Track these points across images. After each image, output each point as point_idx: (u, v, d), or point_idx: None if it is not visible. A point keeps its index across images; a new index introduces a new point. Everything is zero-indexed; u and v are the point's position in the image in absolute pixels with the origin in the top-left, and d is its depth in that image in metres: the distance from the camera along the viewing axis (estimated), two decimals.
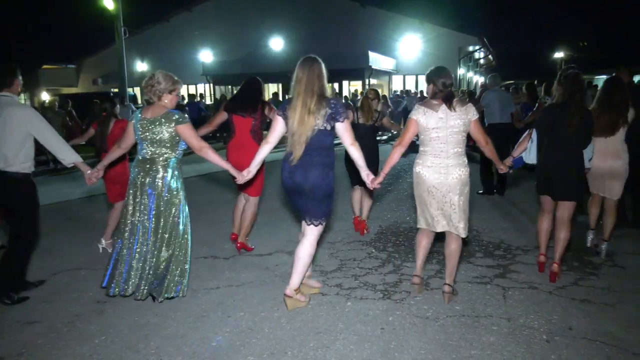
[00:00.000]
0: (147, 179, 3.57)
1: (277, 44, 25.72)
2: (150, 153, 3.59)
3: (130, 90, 19.38)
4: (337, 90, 23.53)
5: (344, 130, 3.36)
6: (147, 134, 3.55)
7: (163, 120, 3.52)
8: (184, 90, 27.20)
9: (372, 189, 3.63)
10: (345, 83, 24.67)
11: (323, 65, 3.37)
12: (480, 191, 7.22)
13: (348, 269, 4.32)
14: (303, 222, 3.54)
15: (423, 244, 3.73)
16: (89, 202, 7.34)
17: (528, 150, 4.22)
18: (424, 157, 3.53)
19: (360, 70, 23.04)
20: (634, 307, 3.48)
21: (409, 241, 5.05)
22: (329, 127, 3.32)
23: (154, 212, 3.58)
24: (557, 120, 3.92)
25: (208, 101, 22.66)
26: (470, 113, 3.47)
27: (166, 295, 3.59)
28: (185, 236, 3.68)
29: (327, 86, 3.39)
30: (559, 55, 37.96)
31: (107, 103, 5.02)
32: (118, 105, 5.21)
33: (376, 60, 23.36)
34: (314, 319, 3.39)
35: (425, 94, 12.46)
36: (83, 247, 5.05)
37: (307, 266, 3.54)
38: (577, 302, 3.58)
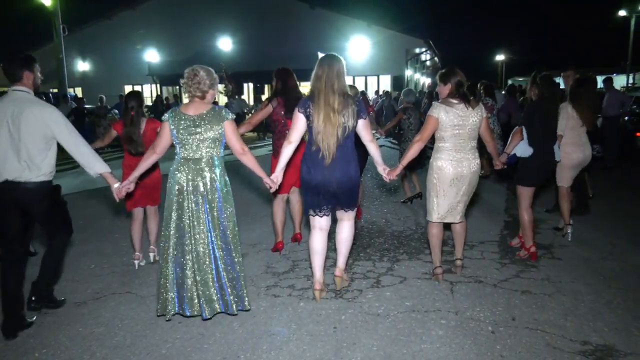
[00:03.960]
0: (194, 182, 3.24)
1: (225, 44, 25.36)
2: (194, 153, 3.27)
3: (70, 90, 18.54)
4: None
5: (365, 127, 3.47)
6: (192, 133, 3.24)
7: (210, 117, 3.25)
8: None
9: (387, 180, 3.76)
10: None
11: (344, 63, 3.43)
12: None
13: (300, 270, 4.32)
14: (315, 216, 3.59)
15: (436, 235, 3.97)
16: None
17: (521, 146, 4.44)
18: (445, 152, 3.78)
19: (310, 71, 22.84)
20: (570, 297, 3.68)
21: (360, 240, 5.11)
22: (355, 124, 3.42)
23: (208, 217, 3.25)
24: (536, 117, 4.35)
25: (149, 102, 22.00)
26: (483, 111, 3.81)
27: (240, 306, 3.33)
28: (237, 237, 3.40)
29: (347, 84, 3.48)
30: (499, 58, 39.68)
31: (134, 101, 4.30)
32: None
33: None
34: (266, 321, 3.36)
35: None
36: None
37: (350, 248, 3.75)
38: (518, 293, 3.75)
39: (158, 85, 26.23)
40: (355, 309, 3.52)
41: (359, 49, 26.24)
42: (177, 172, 3.28)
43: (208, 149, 3.27)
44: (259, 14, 25.63)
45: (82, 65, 28.68)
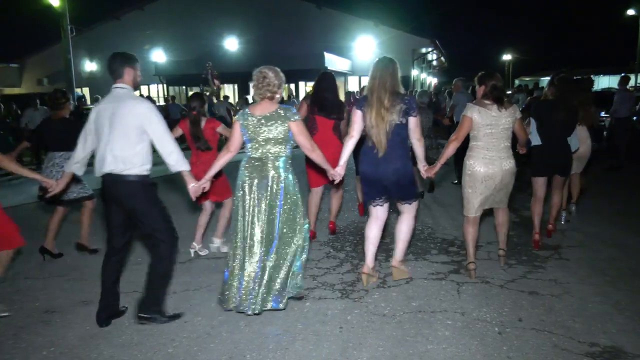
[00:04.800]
0: (261, 179, 3.37)
1: (231, 44, 25.43)
2: (262, 152, 3.39)
3: (78, 90, 18.65)
4: (294, 92, 23.53)
5: (415, 124, 3.64)
6: (260, 132, 3.36)
7: (277, 116, 3.35)
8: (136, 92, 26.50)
9: (425, 177, 3.91)
10: (301, 84, 24.70)
11: (397, 65, 3.64)
12: (455, 181, 7.62)
13: (306, 270, 4.31)
14: (371, 206, 3.86)
15: (471, 233, 4.10)
16: (37, 208, 6.99)
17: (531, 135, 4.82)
18: (477, 151, 3.95)
19: (316, 71, 22.86)
20: (578, 298, 3.66)
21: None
22: (404, 121, 3.59)
23: (272, 214, 3.37)
24: (551, 113, 4.70)
25: (162, 102, 22.09)
26: (517, 112, 3.96)
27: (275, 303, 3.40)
28: (298, 235, 3.48)
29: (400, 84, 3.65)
30: (506, 57, 39.49)
31: (197, 102, 4.59)
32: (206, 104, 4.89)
33: (332, 61, 23.51)
34: (272, 321, 3.37)
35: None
36: (26, 254, 4.81)
37: (409, 240, 3.93)
38: (526, 294, 3.73)
39: (164, 86, 26.35)
40: (361, 309, 3.52)
41: (365, 49, 26.22)
42: (245, 170, 3.44)
43: (274, 148, 3.39)
44: (266, 14, 25.68)
45: (90, 66, 28.85)
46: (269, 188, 3.37)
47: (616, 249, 4.74)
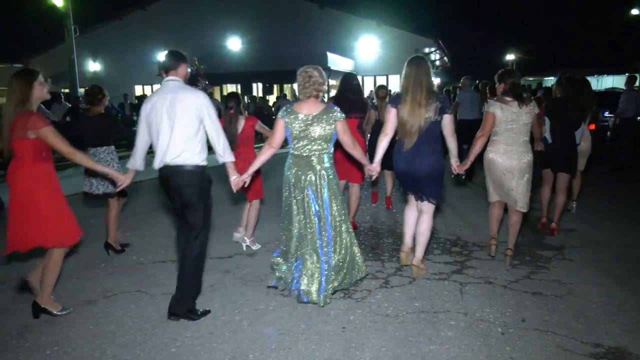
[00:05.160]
0: (306, 176, 3.51)
1: (234, 44, 25.43)
2: (307, 150, 3.52)
3: (81, 90, 18.67)
4: (297, 92, 23.50)
5: (449, 121, 3.81)
6: (306, 130, 3.47)
7: (325, 116, 3.48)
8: (140, 92, 26.48)
9: (456, 173, 4.02)
10: None
11: (430, 64, 3.84)
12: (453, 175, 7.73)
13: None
14: (412, 202, 4.12)
15: (495, 214, 4.41)
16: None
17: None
18: (497, 145, 4.17)
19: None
20: (581, 298, 3.65)
21: (369, 240, 5.11)
22: (439, 119, 3.75)
23: (317, 209, 3.52)
24: (561, 111, 5.02)
25: None
26: (535, 109, 4.19)
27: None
28: (343, 230, 3.63)
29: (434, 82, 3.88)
30: (509, 57, 39.39)
31: (233, 101, 4.70)
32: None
33: (335, 61, 23.49)
34: (275, 321, 3.37)
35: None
36: (29, 253, 4.82)
37: (428, 240, 4.07)
38: (529, 294, 3.72)
39: None
40: (364, 309, 3.51)
41: (368, 49, 26.18)
42: (290, 167, 3.58)
43: (319, 145, 3.51)
44: (269, 14, 25.66)
45: (93, 66, 28.88)
46: (315, 183, 3.51)
47: (620, 249, 4.72)
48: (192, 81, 17.50)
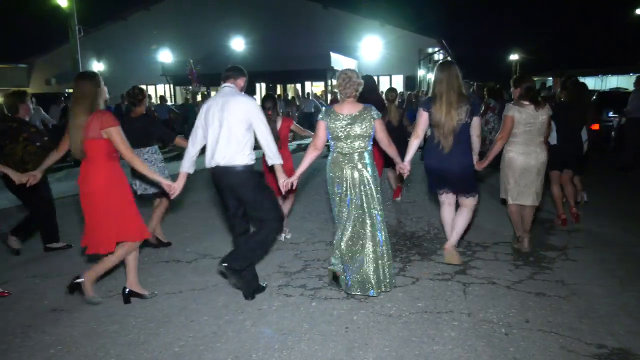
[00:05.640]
0: (348, 173, 3.67)
1: (238, 44, 25.46)
2: (350, 147, 3.66)
3: None
4: (300, 92, 23.52)
5: (478, 123, 4.07)
6: (350, 129, 3.62)
7: (364, 115, 3.63)
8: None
9: (479, 169, 4.24)
10: (307, 84, 24.69)
11: (458, 68, 3.98)
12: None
13: (312, 270, 4.33)
14: (444, 196, 4.33)
15: (515, 212, 4.64)
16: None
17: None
18: (516, 146, 4.44)
19: (323, 72, 23.10)
20: (585, 299, 3.63)
21: None
22: (469, 120, 3.96)
23: (359, 204, 3.68)
24: (568, 113, 5.31)
25: (169, 102, 22.12)
26: (549, 110, 4.46)
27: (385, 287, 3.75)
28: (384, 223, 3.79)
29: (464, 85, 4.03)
30: (513, 57, 39.25)
31: (270, 102, 4.86)
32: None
33: (338, 61, 23.49)
34: (278, 321, 3.37)
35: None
36: (35, 253, 4.85)
37: (464, 229, 4.29)
38: (533, 295, 3.71)
39: (171, 86, 26.42)
40: (367, 310, 3.51)
41: (371, 49, 26.18)
42: (332, 166, 3.74)
43: (360, 143, 3.66)
44: (272, 14, 25.68)
45: (97, 66, 28.93)
46: (359, 179, 3.66)
47: (624, 250, 4.70)
48: (189, 83, 17.48)
